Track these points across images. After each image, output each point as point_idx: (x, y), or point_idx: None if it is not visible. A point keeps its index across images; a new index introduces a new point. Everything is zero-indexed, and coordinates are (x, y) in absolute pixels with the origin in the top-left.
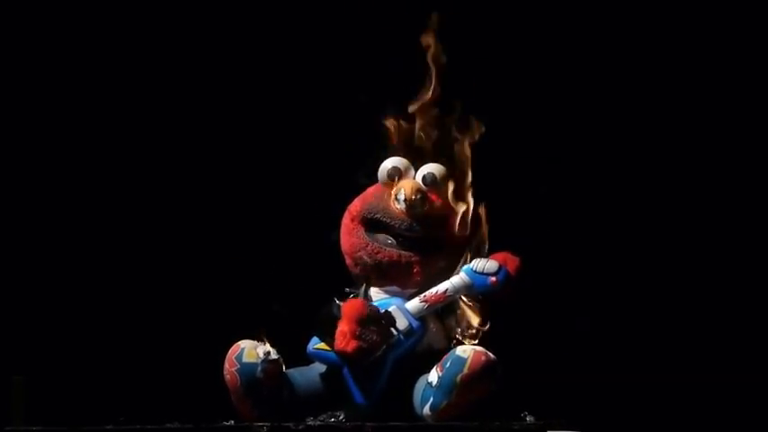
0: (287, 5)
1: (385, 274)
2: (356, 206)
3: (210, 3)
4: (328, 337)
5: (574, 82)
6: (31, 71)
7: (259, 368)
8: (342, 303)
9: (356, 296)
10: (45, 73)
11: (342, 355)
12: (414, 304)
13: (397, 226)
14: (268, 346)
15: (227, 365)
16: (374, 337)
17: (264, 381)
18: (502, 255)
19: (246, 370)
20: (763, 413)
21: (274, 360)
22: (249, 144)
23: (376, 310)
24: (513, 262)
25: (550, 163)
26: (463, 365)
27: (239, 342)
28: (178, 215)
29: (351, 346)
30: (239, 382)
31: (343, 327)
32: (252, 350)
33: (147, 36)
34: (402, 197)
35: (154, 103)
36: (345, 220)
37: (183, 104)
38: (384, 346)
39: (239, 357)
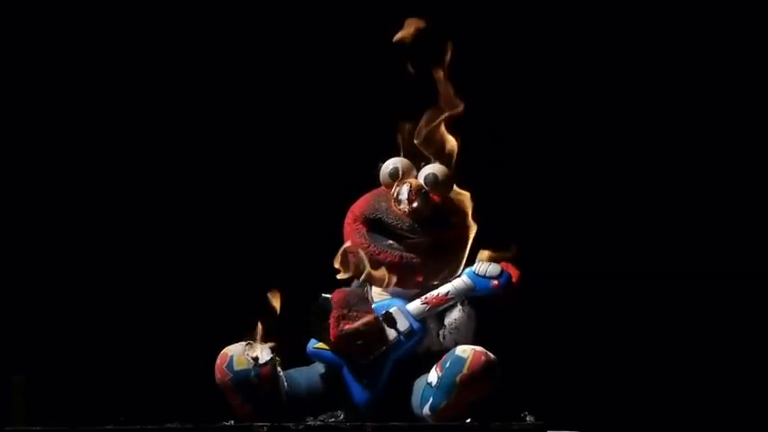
0: (289, 6)
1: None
2: (358, 206)
3: (211, 4)
4: (323, 332)
5: (572, 87)
6: (31, 71)
7: (252, 373)
8: (329, 295)
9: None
10: (45, 73)
11: (339, 341)
12: (415, 306)
13: (398, 227)
14: (256, 350)
15: (218, 375)
16: (368, 318)
17: (260, 384)
18: (502, 263)
19: (240, 378)
20: (762, 413)
21: (266, 362)
22: (248, 144)
23: (361, 291)
24: (513, 269)
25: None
26: (463, 365)
27: (225, 350)
28: (177, 216)
29: (345, 328)
30: (236, 391)
31: (334, 315)
32: (241, 356)
33: (147, 36)
34: (403, 197)
35: (153, 104)
36: (348, 219)
37: (183, 104)
38: (381, 333)
39: (230, 366)
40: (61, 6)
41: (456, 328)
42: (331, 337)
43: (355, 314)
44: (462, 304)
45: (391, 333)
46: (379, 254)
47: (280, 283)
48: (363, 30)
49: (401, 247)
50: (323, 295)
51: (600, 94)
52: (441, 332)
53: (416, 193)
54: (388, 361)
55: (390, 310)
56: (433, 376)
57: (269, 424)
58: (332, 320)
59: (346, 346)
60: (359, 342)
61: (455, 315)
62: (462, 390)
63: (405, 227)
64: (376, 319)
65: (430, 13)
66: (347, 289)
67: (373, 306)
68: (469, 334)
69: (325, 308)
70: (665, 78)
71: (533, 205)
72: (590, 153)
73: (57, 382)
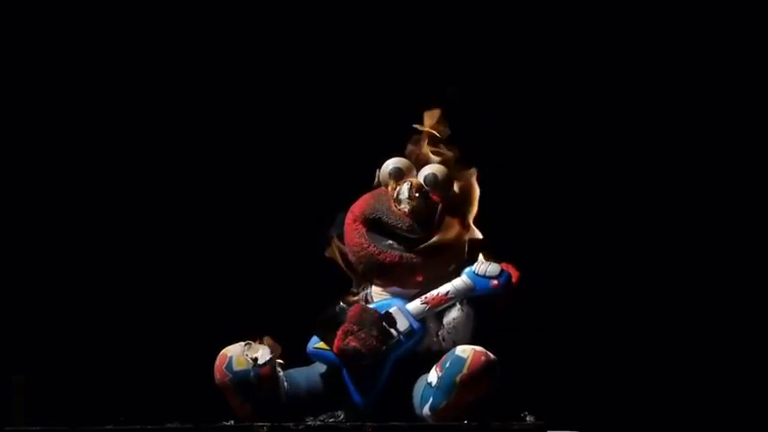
0: (290, 6)
1: (386, 274)
2: (358, 206)
3: (211, 4)
4: (329, 337)
5: (572, 87)
6: (31, 71)
7: (252, 374)
8: (346, 307)
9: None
10: (45, 73)
11: (341, 352)
12: (415, 305)
13: (398, 227)
14: (255, 350)
15: (218, 376)
16: (373, 342)
17: (260, 384)
18: (502, 264)
19: (240, 378)
20: (762, 414)
21: (265, 362)
22: (248, 145)
23: (378, 314)
24: (513, 269)
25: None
26: (463, 366)
27: (225, 350)
28: (177, 216)
29: (350, 345)
30: (236, 391)
31: (344, 327)
32: (240, 357)
33: (147, 36)
34: (404, 197)
35: (154, 104)
36: (348, 220)
37: (184, 105)
38: (382, 349)
39: (230, 367)
40: (61, 6)
41: (454, 327)
42: (334, 349)
43: (363, 335)
44: (461, 304)
45: (391, 333)
46: (379, 254)
47: (278, 282)
48: (362, 31)
49: (401, 247)
50: (341, 304)
51: (599, 95)
52: (439, 332)
53: (416, 192)
54: (388, 361)
55: (390, 310)
56: (432, 376)
57: (269, 424)
58: (340, 332)
59: (346, 360)
60: (356, 360)
61: (453, 314)
62: (462, 390)
63: (404, 227)
64: (380, 346)
65: (426, 11)
66: (365, 307)
67: (373, 306)
68: (468, 333)
69: (339, 317)
70: (666, 80)
71: (533, 205)
72: (590, 153)
73: (57, 382)
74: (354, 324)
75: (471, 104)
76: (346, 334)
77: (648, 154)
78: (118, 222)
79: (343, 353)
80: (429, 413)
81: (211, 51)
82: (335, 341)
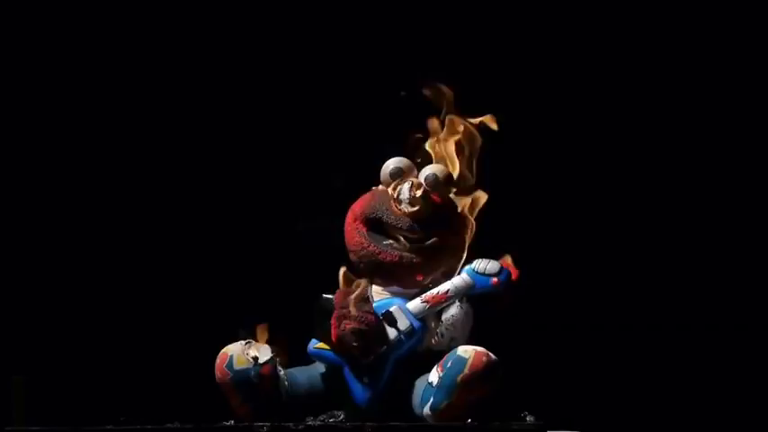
0: (289, 6)
1: (386, 274)
2: (358, 206)
3: (211, 4)
4: (326, 332)
5: (573, 87)
6: (31, 71)
7: (252, 373)
8: (331, 297)
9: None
10: (45, 73)
11: (341, 341)
12: (415, 304)
13: (398, 226)
14: (255, 349)
15: (219, 375)
16: (369, 316)
17: (260, 384)
18: (502, 261)
19: (240, 377)
20: (762, 414)
21: (266, 361)
22: (248, 144)
23: (363, 290)
24: (512, 267)
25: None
26: (464, 366)
27: (225, 349)
28: (177, 215)
29: (347, 327)
30: (236, 390)
31: (335, 315)
32: (241, 356)
33: (147, 36)
34: (404, 197)
35: (154, 105)
36: (348, 219)
37: (184, 105)
38: (382, 334)
39: (230, 366)
40: (61, 6)
41: (453, 324)
42: (333, 338)
43: (357, 313)
44: (461, 301)
45: (392, 332)
46: (379, 253)
47: (277, 282)
48: (362, 32)
49: (401, 247)
50: (324, 296)
51: (598, 94)
52: (438, 329)
53: (416, 191)
54: (389, 360)
55: (391, 309)
56: (433, 376)
57: (269, 424)
58: (333, 321)
59: (348, 347)
60: (360, 342)
61: (453, 312)
62: (463, 390)
63: (404, 226)
64: (377, 318)
65: (427, 11)
66: (345, 289)
67: (373, 305)
68: (466, 331)
69: (327, 308)
70: (664, 79)
71: (533, 205)
72: (590, 153)
73: (57, 382)
74: (343, 307)
75: (471, 104)
76: (340, 320)
77: (648, 154)
78: (118, 222)
79: (342, 340)
80: (429, 413)
81: (210, 51)
82: (332, 332)
